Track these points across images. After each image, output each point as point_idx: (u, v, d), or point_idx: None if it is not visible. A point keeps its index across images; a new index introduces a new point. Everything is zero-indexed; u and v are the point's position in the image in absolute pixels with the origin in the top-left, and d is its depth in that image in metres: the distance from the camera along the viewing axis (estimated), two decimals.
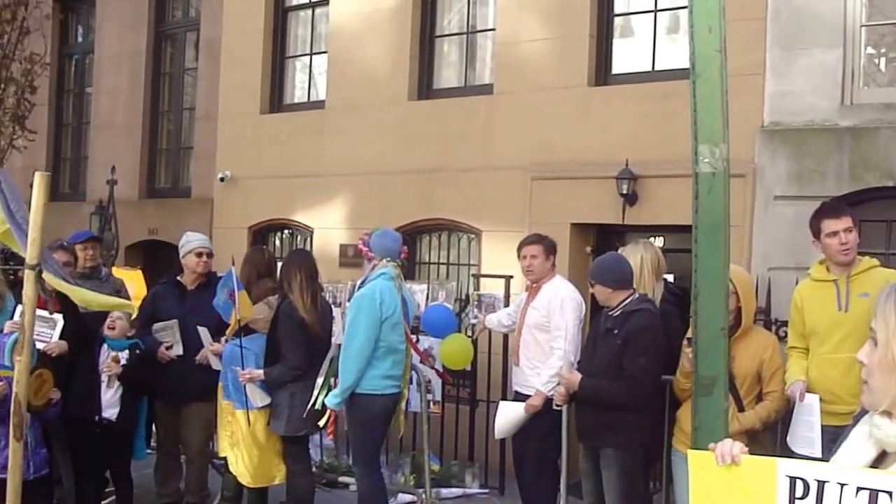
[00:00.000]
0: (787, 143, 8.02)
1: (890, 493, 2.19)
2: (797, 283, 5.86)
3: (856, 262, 5.30)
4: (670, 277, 7.31)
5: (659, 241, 8.76)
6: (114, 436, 6.83)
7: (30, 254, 4.55)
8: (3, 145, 4.54)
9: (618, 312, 5.58)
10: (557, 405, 6.08)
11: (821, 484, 2.40)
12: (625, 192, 8.57)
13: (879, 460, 2.35)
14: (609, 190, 8.68)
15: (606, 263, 5.86)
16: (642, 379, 5.37)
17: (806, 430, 4.97)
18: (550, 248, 6.74)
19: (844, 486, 2.32)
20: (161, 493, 7.63)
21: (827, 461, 2.58)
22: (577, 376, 5.71)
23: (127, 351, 6.79)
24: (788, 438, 5.16)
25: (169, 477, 7.67)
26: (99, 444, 6.78)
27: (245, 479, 6.94)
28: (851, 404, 4.26)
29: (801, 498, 2.47)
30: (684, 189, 8.28)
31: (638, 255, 6.12)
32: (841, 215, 5.31)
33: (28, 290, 4.52)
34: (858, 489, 2.29)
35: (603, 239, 9.13)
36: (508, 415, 6.47)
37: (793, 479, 2.51)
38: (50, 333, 6.50)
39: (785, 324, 6.52)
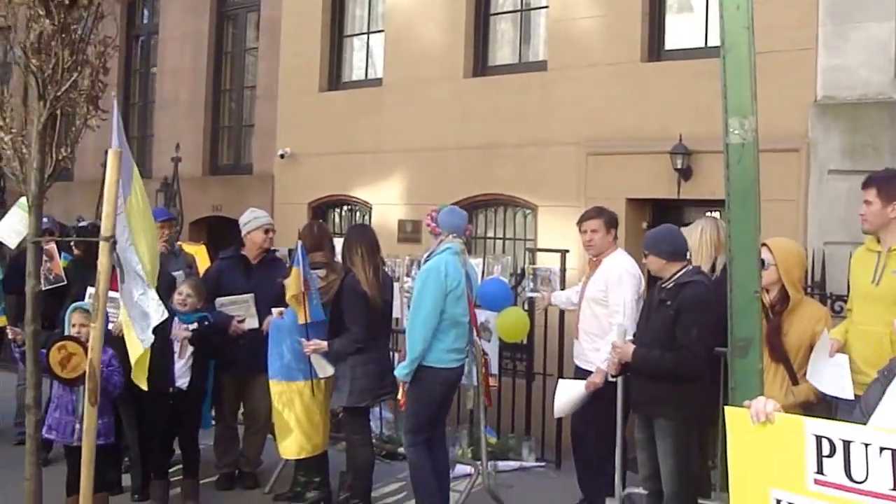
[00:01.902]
0: (840, 118, 7.82)
1: None
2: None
3: None
4: None
5: (716, 215, 8.68)
6: (184, 405, 6.95)
7: (104, 226, 4.65)
8: (79, 125, 4.68)
9: (671, 284, 5.50)
10: (613, 376, 6.02)
11: (846, 444, 2.44)
12: (679, 166, 8.43)
13: None
14: (664, 165, 8.57)
15: (661, 234, 5.79)
16: (694, 350, 5.27)
17: (836, 378, 4.87)
18: (611, 222, 6.62)
19: (868, 447, 2.37)
20: (220, 464, 7.72)
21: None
22: (631, 347, 5.61)
23: (196, 324, 6.87)
24: (809, 374, 5.06)
25: (228, 448, 7.76)
26: (170, 414, 6.91)
27: (292, 450, 7.03)
28: (869, 375, 4.19)
29: (828, 456, 2.55)
30: None
31: (698, 229, 6.06)
32: (866, 186, 5.19)
33: (103, 260, 4.64)
34: (882, 449, 2.33)
35: (659, 214, 9.01)
36: (569, 393, 6.38)
37: (819, 438, 2.58)
38: (115, 312, 6.57)
39: (840, 298, 6.42)
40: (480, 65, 10.65)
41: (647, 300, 5.90)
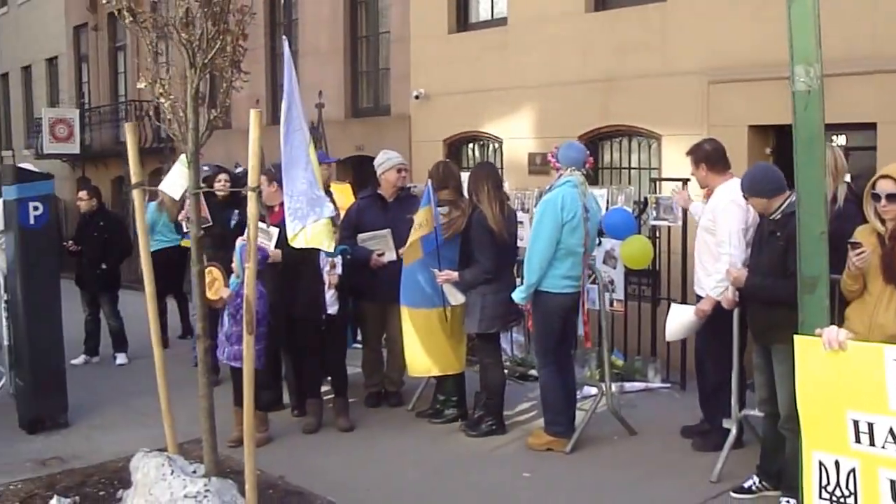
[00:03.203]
0: None
1: None
2: None
3: None
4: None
5: (841, 140, 8.36)
6: (331, 331, 7.35)
7: (251, 178, 4.92)
8: (225, 87, 4.98)
9: (778, 216, 5.37)
10: (728, 308, 5.95)
11: None
12: None
13: None
14: (786, 90, 8.26)
15: (756, 176, 5.60)
16: None
17: None
18: (698, 158, 6.49)
19: None
20: (367, 384, 8.12)
21: None
22: (744, 272, 5.54)
23: (339, 256, 7.18)
24: None
25: (374, 370, 8.13)
26: (323, 339, 7.31)
27: (419, 370, 7.36)
28: None
29: None
30: (866, 87, 7.96)
31: None
32: None
33: (251, 207, 4.89)
34: None
35: (782, 140, 8.75)
36: (679, 318, 6.36)
37: None
38: (268, 244, 6.93)
39: None
40: None
41: (757, 234, 5.76)
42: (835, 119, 7.95)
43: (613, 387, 7.47)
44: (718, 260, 6.11)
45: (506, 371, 7.69)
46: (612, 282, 8.26)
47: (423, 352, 7.23)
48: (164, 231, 10.47)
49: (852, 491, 2.90)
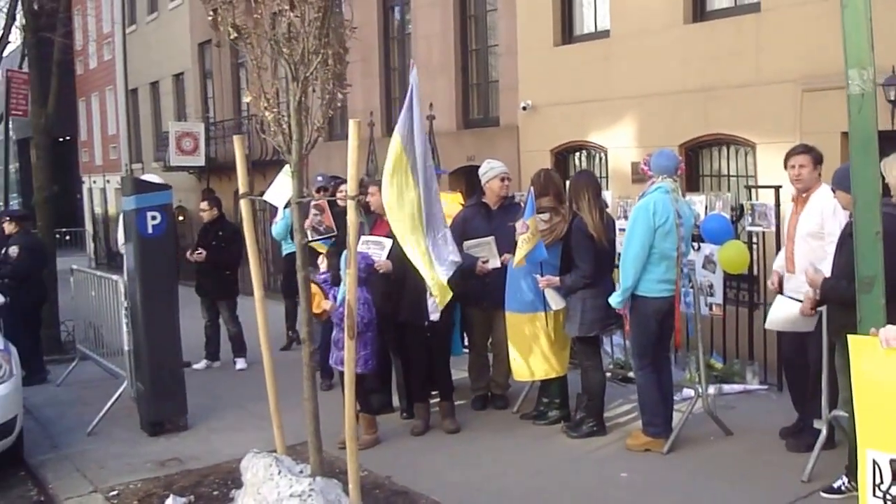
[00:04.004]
0: None
1: None
2: None
3: None
4: None
5: None
6: (436, 337, 7.57)
7: (350, 187, 5.10)
8: (328, 99, 5.15)
9: None
10: (811, 308, 6.02)
11: None
12: (893, 98, 8.19)
13: None
14: (878, 97, 8.35)
15: (846, 170, 5.71)
16: None
17: None
18: (818, 159, 6.62)
19: None
20: (474, 388, 8.39)
21: None
22: (821, 276, 5.64)
23: None
24: None
25: (480, 374, 8.40)
26: (427, 344, 7.55)
27: (524, 374, 7.63)
28: None
29: None
30: None
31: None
32: None
33: (351, 215, 5.09)
34: None
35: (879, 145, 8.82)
36: (784, 310, 6.39)
37: None
38: (380, 254, 7.30)
39: None
40: (699, 10, 10.67)
41: (840, 236, 5.88)
42: None
43: (712, 389, 7.59)
44: (825, 260, 6.11)
45: (607, 374, 7.88)
46: (711, 286, 8.38)
47: (526, 356, 7.50)
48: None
49: None
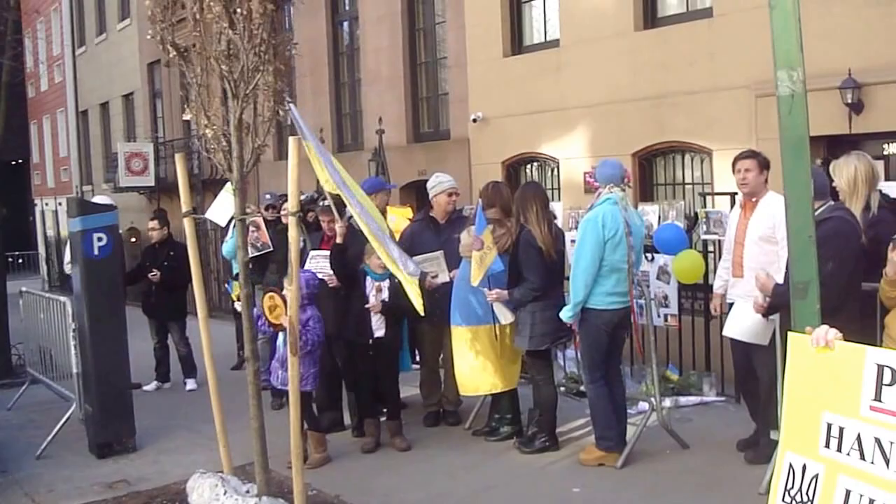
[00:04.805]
0: None
1: None
2: None
3: None
4: (894, 185, 7.00)
5: (895, 147, 8.32)
6: (383, 354, 7.40)
7: (291, 204, 5.13)
8: (268, 116, 5.20)
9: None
10: (763, 315, 5.91)
11: None
12: (850, 101, 8.10)
13: None
14: (834, 100, 8.23)
15: None
16: (829, 284, 5.13)
17: None
18: (764, 163, 6.52)
19: None
20: (426, 404, 8.24)
21: None
22: (772, 279, 5.56)
23: (387, 281, 7.26)
24: None
25: (432, 390, 8.23)
26: (373, 361, 7.39)
27: (469, 389, 7.46)
28: None
29: (889, 384, 2.49)
30: None
31: (851, 167, 5.84)
32: None
33: (292, 232, 5.10)
34: None
35: (833, 150, 8.70)
36: (744, 317, 6.28)
37: (881, 367, 2.52)
38: (327, 271, 7.22)
39: None
40: (650, 17, 10.54)
41: None
42: (887, 127, 8.03)
43: (669, 401, 7.49)
44: (778, 262, 6.07)
45: (561, 388, 7.74)
46: (666, 297, 8.28)
47: (471, 370, 7.32)
48: None
49: (810, 498, 2.81)
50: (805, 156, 3.75)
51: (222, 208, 8.96)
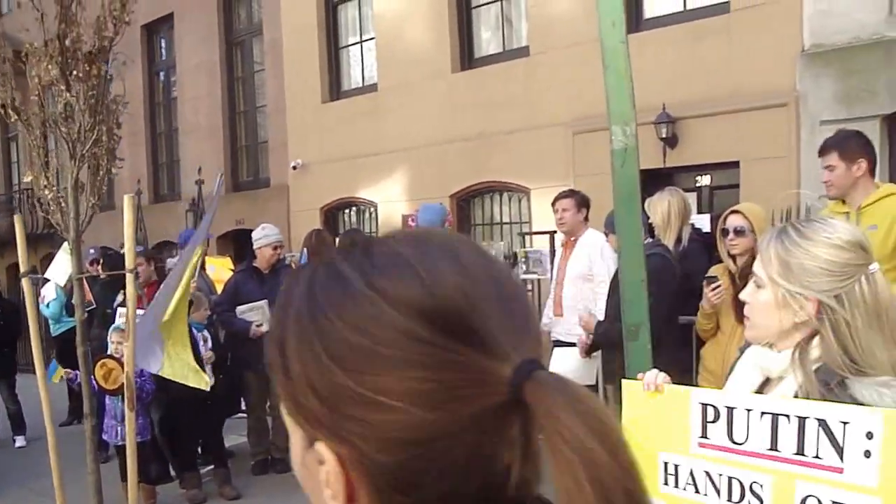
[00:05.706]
0: (830, 65, 7.31)
1: (788, 416, 2.28)
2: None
3: (869, 192, 4.82)
4: (706, 218, 7.21)
5: (706, 179, 8.50)
6: (215, 403, 7.27)
7: (128, 260, 5.10)
8: (102, 174, 5.25)
9: None
10: (585, 353, 5.91)
11: (730, 410, 2.51)
12: (664, 135, 8.28)
13: (764, 385, 2.41)
14: (649, 135, 8.27)
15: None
16: (651, 319, 5.19)
17: None
18: (581, 202, 6.56)
19: (750, 412, 2.41)
20: (254, 452, 8.05)
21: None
22: (594, 318, 5.57)
23: (205, 331, 7.22)
24: None
25: (260, 438, 8.05)
26: (196, 412, 7.18)
27: None
28: None
29: (712, 422, 2.57)
30: (726, 126, 8.08)
31: (665, 202, 5.89)
32: (824, 152, 4.95)
33: (129, 288, 5.11)
34: (762, 413, 2.36)
35: (650, 183, 8.91)
36: (565, 361, 6.19)
37: (705, 406, 2.60)
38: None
39: None
40: (466, 58, 10.60)
41: (613, 277, 5.84)
42: (699, 160, 8.26)
43: None
44: (599, 300, 6.08)
45: None
46: None
47: None
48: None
49: None
50: (637, 207, 3.88)
51: (60, 268, 8.86)
